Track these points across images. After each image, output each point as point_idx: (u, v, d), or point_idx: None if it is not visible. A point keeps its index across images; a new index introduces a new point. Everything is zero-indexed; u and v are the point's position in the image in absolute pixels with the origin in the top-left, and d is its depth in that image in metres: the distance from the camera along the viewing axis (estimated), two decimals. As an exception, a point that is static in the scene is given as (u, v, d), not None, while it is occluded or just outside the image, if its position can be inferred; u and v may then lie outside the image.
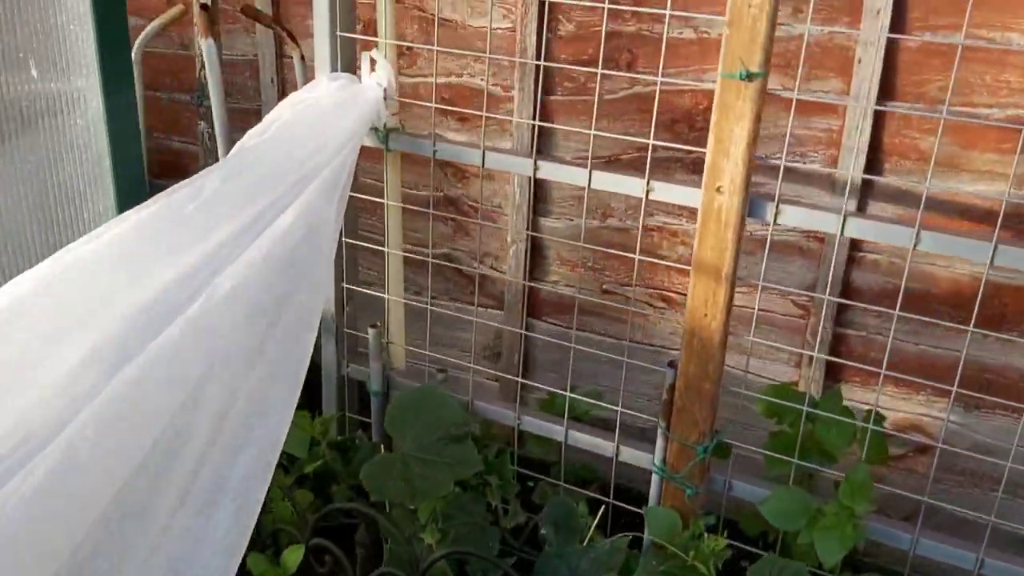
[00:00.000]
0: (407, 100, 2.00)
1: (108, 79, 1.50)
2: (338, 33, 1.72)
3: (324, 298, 1.58)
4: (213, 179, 1.45)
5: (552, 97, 2.10)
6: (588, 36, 2.02)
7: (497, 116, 2.14)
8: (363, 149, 1.79)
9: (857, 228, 1.44)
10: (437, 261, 2.28)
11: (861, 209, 1.86)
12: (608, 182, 1.60)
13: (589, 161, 1.60)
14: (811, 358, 2.01)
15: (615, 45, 2.00)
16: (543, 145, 2.14)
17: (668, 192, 1.56)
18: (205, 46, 1.79)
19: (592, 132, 1.66)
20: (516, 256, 2.26)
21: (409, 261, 2.40)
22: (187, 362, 1.27)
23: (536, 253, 2.25)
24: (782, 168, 1.49)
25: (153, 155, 2.48)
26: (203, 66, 2.29)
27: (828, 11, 1.79)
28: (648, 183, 1.56)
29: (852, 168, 1.81)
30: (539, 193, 2.19)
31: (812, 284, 1.98)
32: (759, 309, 2.06)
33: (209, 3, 1.89)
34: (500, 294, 2.34)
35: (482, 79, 2.17)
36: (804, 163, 1.92)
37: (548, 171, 1.65)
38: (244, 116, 2.42)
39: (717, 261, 1.51)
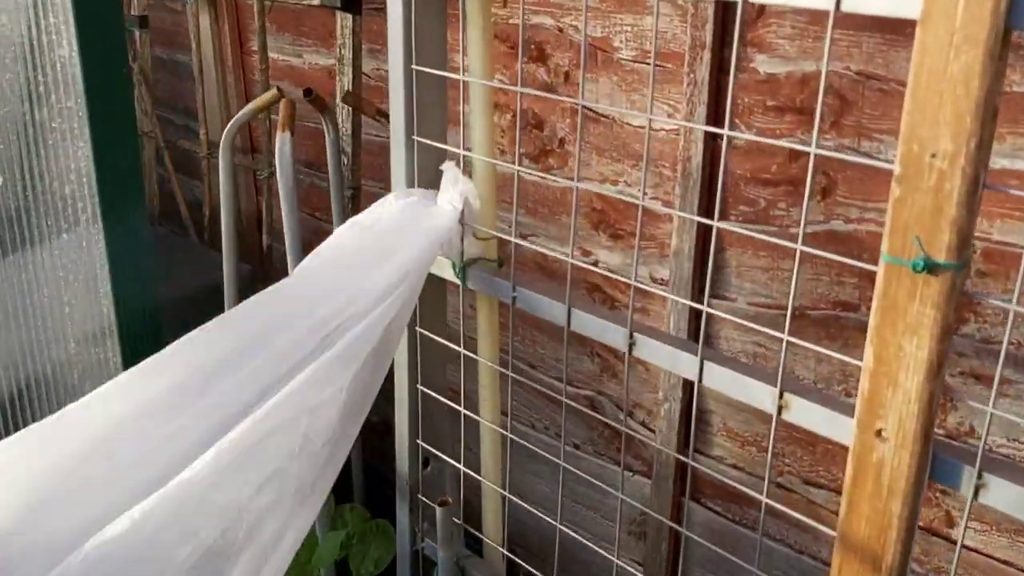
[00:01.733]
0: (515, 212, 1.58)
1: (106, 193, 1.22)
2: (415, 138, 1.34)
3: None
4: (219, 343, 1.12)
5: (722, 222, 1.58)
6: (771, 148, 1.49)
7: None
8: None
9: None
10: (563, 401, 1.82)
11: None
12: (724, 381, 1.07)
13: (700, 348, 1.09)
14: (1073, 648, 1.33)
15: (806, 164, 1.45)
16: (711, 281, 1.63)
17: (809, 415, 1.01)
18: (279, 139, 1.49)
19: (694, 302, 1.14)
20: (668, 417, 1.75)
21: (550, 398, 1.97)
22: None
23: (697, 417, 1.73)
24: (988, 419, 0.90)
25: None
26: (342, 151, 2.02)
27: None
28: (781, 395, 1.02)
29: None
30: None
31: (1082, 541, 1.30)
32: None
33: (312, 91, 1.60)
34: (651, 457, 1.83)
35: (640, 190, 1.70)
36: (1081, 362, 1.26)
37: (646, 350, 1.15)
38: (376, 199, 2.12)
39: (875, 545, 0.94)
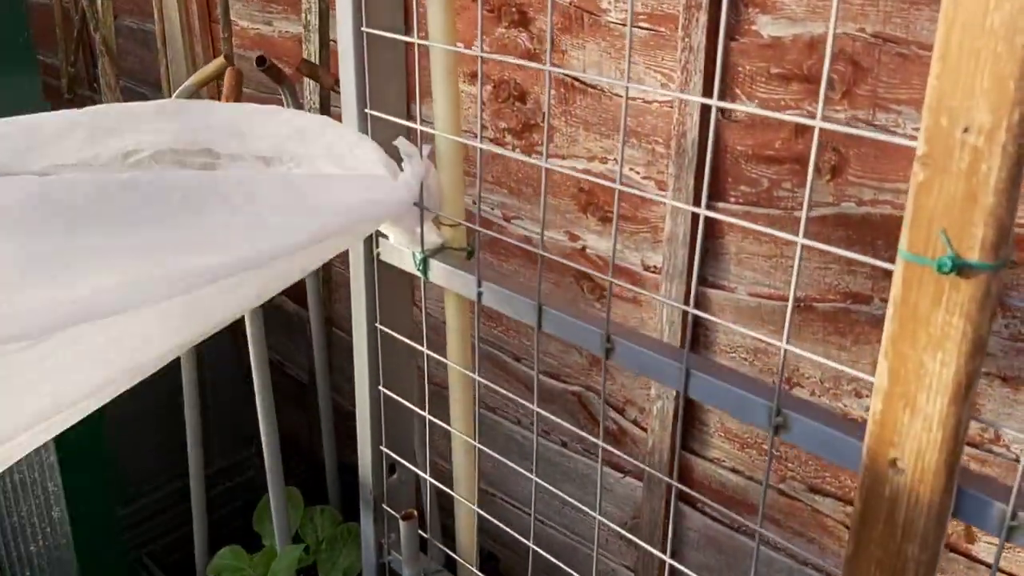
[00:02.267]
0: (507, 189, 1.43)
1: None
2: (368, 111, 1.19)
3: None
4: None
5: (722, 204, 1.43)
6: (775, 123, 1.33)
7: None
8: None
9: None
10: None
11: None
12: (713, 393, 0.92)
13: (685, 355, 0.94)
14: None
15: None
16: (709, 268, 1.48)
17: (811, 436, 0.86)
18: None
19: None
20: (661, 416, 1.60)
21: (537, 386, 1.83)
22: None
23: (693, 416, 1.59)
24: (1028, 450, 0.75)
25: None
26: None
27: None
28: (779, 412, 0.87)
29: None
30: (699, 333, 1.53)
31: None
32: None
33: (266, 59, 1.44)
34: (643, 457, 1.69)
35: (631, 168, 1.54)
36: (1124, 365, 1.11)
37: (625, 355, 1.00)
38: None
39: (886, 588, 0.79)
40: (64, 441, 1.47)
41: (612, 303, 1.65)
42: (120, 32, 2.74)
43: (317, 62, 1.77)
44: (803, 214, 0.79)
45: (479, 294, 1.14)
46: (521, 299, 1.09)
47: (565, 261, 1.09)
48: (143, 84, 2.74)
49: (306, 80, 1.74)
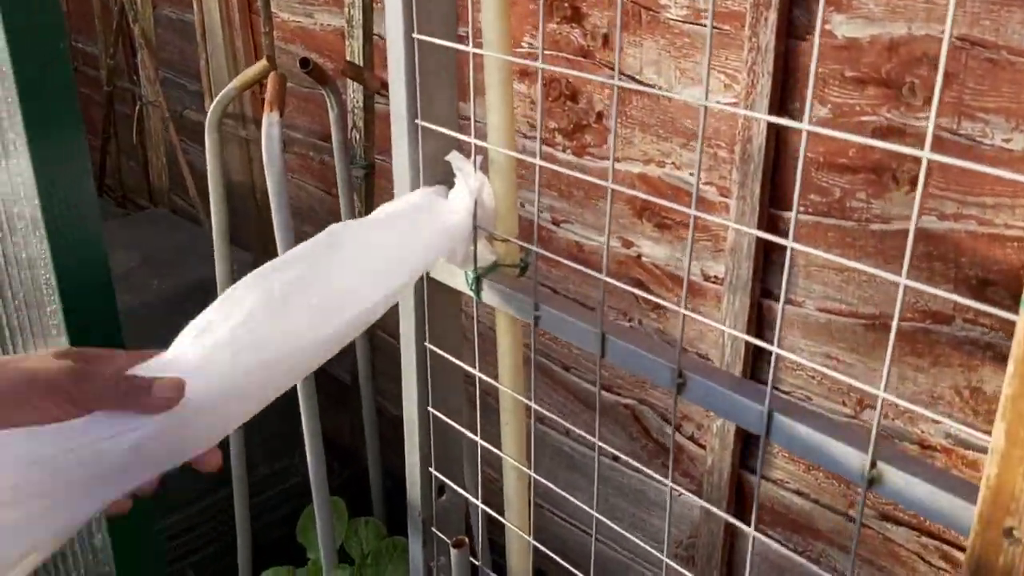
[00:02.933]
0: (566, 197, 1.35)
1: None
2: (418, 122, 1.12)
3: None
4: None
5: (788, 213, 1.35)
6: (850, 128, 1.24)
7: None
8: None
9: None
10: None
11: None
12: (798, 440, 0.85)
13: (768, 395, 0.86)
14: None
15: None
16: (775, 279, 1.40)
17: (910, 493, 0.78)
18: (265, 120, 1.27)
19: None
20: (721, 435, 1.53)
21: (586, 403, 1.76)
22: None
23: (754, 434, 1.51)
24: None
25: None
26: (353, 125, 1.81)
27: None
28: (873, 465, 0.79)
29: None
30: (763, 349, 1.45)
31: None
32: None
33: (309, 60, 1.38)
34: (701, 476, 1.62)
35: (691, 172, 1.46)
36: None
37: (699, 392, 0.93)
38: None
39: (995, 663, 0.72)
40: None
41: (670, 314, 1.58)
42: (159, 22, 2.70)
43: (361, 59, 1.70)
44: (906, 253, 0.71)
45: (536, 318, 1.07)
46: (583, 326, 1.02)
47: (625, 286, 1.02)
48: (183, 75, 2.70)
49: (350, 80, 1.68)
